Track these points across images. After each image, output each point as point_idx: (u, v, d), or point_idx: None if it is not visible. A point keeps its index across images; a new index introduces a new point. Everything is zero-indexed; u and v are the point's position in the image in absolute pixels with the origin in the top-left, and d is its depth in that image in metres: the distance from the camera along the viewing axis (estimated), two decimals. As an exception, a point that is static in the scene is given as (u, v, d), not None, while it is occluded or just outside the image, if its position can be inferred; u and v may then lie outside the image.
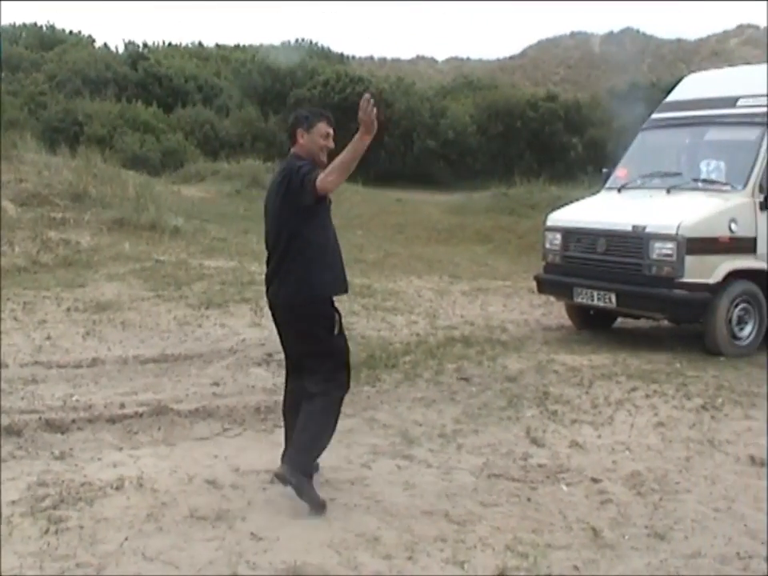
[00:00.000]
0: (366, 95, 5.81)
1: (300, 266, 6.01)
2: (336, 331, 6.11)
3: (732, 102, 12.03)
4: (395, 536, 5.44)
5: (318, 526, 5.52)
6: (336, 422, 6.14)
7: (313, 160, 6.12)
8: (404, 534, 5.48)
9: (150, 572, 4.86)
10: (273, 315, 6.34)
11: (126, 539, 5.22)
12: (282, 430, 6.56)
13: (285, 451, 6.17)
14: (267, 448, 6.94)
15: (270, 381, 8.81)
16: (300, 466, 5.86)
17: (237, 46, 64.54)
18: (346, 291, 6.30)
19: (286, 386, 6.48)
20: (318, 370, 6.04)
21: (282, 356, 8.77)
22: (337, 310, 6.16)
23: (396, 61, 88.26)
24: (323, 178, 5.84)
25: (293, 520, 5.62)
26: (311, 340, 6.08)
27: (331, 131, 6.28)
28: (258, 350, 9.81)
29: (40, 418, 7.33)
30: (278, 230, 6.12)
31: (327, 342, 6.07)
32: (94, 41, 60.37)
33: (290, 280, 6.04)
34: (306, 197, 5.91)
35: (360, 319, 11.36)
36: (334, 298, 6.19)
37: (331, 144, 6.24)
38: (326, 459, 6.57)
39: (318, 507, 5.79)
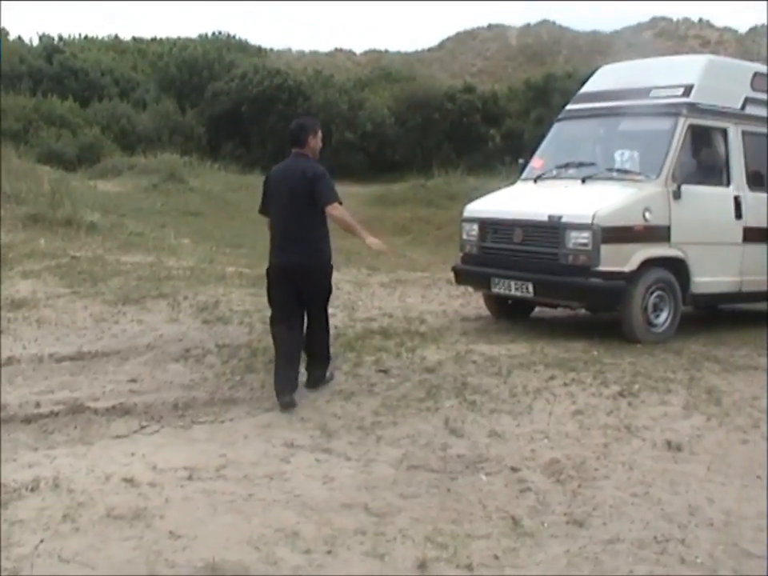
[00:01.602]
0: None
1: (316, 239, 8.24)
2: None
3: (645, 92, 12.17)
4: (314, 530, 5.42)
5: (236, 523, 5.48)
6: (329, 336, 8.74)
7: (314, 158, 8.35)
8: (323, 527, 5.46)
9: (67, 573, 4.79)
10: (280, 274, 8.31)
11: (42, 541, 5.13)
12: (201, 426, 7.17)
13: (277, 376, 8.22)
14: (185, 444, 6.89)
15: (188, 376, 8.74)
16: (321, 374, 8.58)
17: (154, 39, 64.05)
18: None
19: (279, 330, 8.40)
20: (320, 308, 8.51)
21: (199, 351, 8.83)
22: (332, 267, 8.55)
23: (314, 53, 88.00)
24: (338, 209, 8.13)
25: (211, 517, 5.56)
26: (321, 290, 8.45)
27: None
28: (176, 346, 9.72)
29: (-47, 420, 7.21)
30: (296, 210, 8.14)
31: (329, 290, 8.59)
32: (7, 33, 59.42)
33: (309, 249, 8.19)
34: (320, 204, 8.08)
35: (279, 313, 11.30)
36: None
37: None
38: (243, 455, 6.57)
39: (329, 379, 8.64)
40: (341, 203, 8.22)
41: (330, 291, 8.62)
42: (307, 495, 5.95)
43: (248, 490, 5.99)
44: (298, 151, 8.36)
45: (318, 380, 8.54)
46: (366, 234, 8.20)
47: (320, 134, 8.49)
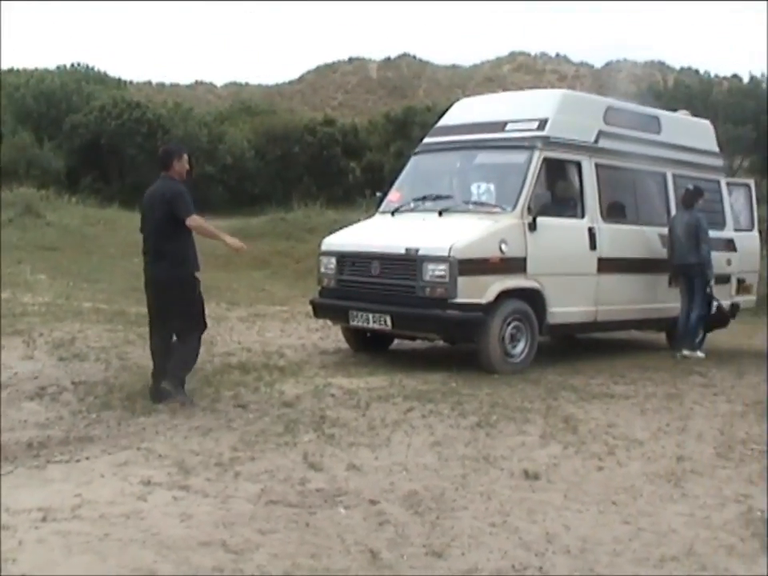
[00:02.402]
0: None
1: (178, 252, 8.89)
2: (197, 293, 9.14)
3: (501, 126, 12.36)
4: (172, 569, 5.30)
5: (92, 564, 5.34)
6: (198, 352, 9.31)
7: (181, 179, 9.10)
8: (181, 566, 5.35)
9: None
10: (150, 288, 9.12)
11: None
12: (56, 465, 6.98)
13: (154, 382, 9.07)
14: (39, 485, 6.69)
15: (43, 415, 8.53)
16: (176, 380, 8.90)
17: (10, 70, 62.76)
18: (199, 269, 9.17)
19: (150, 339, 9.38)
20: (187, 320, 9.04)
21: (55, 389, 8.62)
22: (198, 279, 9.10)
23: (175, 86, 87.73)
24: (195, 220, 8.83)
25: (66, 559, 5.40)
26: (186, 302, 8.99)
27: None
28: (31, 384, 9.49)
29: None
30: (158, 228, 8.88)
31: (194, 302, 9.10)
32: None
33: (172, 263, 8.87)
34: (180, 219, 8.77)
35: (136, 348, 11.14)
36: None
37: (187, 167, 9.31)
38: (99, 494, 6.43)
39: (189, 403, 8.83)
40: (194, 214, 8.93)
41: (199, 305, 9.23)
42: (164, 534, 5.84)
43: (104, 530, 5.85)
44: (165, 174, 9.17)
45: (172, 383, 8.94)
46: (225, 235, 9.10)
47: (185, 157, 9.27)
